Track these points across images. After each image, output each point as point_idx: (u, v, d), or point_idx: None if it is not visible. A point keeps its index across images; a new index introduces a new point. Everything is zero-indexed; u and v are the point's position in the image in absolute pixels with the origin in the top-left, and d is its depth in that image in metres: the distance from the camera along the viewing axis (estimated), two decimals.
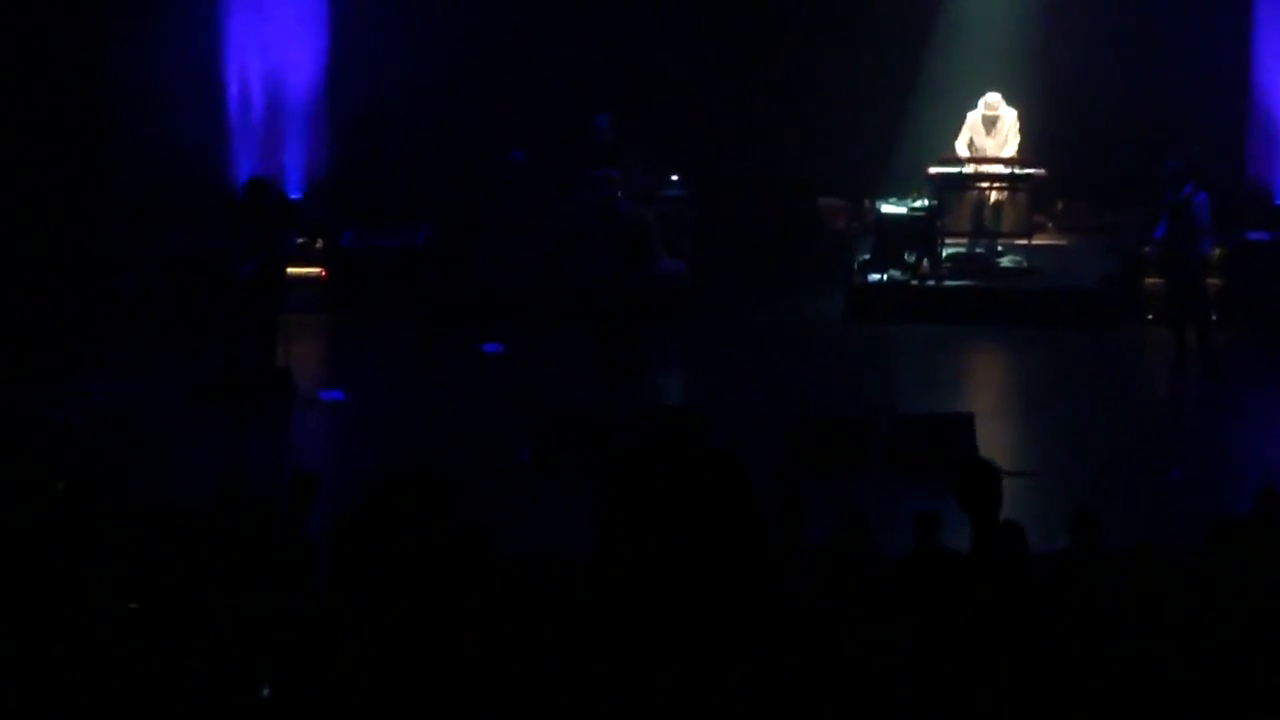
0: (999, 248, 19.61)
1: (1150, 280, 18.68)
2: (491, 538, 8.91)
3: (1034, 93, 19.73)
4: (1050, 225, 20.53)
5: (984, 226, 19.51)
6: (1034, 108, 19.63)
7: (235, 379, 16.09)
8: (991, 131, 19.60)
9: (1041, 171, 19.41)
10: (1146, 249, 18.46)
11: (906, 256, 19.24)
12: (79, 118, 19.50)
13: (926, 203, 19.32)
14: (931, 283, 19.14)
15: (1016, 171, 19.38)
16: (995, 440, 14.58)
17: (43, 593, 9.24)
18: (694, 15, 20.70)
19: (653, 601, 3.95)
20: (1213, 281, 17.91)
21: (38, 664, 8.51)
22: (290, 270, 17.23)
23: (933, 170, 19.44)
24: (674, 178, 19.91)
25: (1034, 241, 19.72)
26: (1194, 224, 16.67)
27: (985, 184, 19.44)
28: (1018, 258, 19.52)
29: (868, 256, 19.50)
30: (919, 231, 19.32)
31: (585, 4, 20.61)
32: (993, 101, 19.56)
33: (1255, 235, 18.89)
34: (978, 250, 19.59)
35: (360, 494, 8.01)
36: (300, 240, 18.53)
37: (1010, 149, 19.51)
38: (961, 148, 19.59)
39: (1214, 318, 17.42)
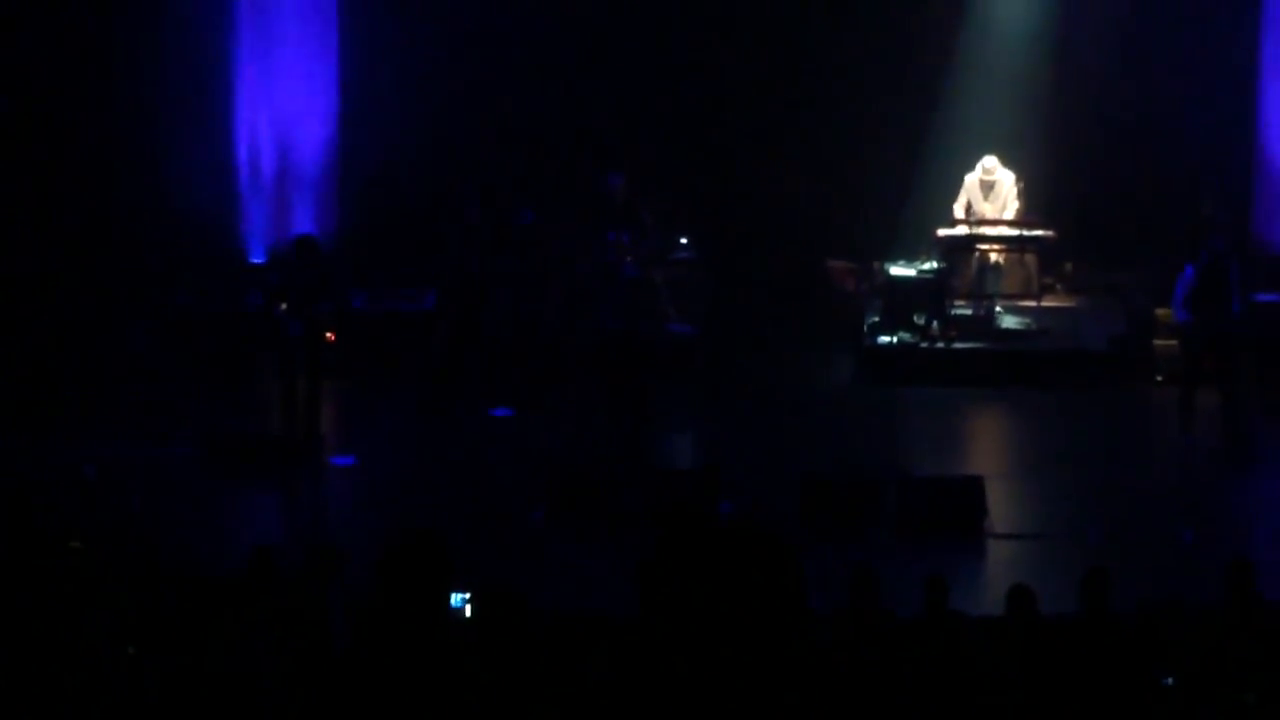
0: (1001, 310, 19.58)
1: (1160, 342, 18.65)
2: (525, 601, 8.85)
3: (1042, 154, 19.77)
4: (1059, 286, 20.51)
5: (990, 288, 19.52)
6: (1042, 169, 19.68)
7: (262, 442, 16.05)
8: (989, 195, 19.64)
9: (1050, 233, 19.45)
10: (1162, 313, 18.34)
11: (916, 319, 19.24)
12: (90, 178, 19.54)
13: (936, 265, 19.34)
14: (941, 345, 19.14)
15: (1025, 234, 19.41)
16: (1005, 503, 14.59)
17: (53, 653, 9.22)
18: (705, 78, 20.74)
19: (695, 674, 3.96)
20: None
21: None
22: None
23: (941, 232, 19.48)
24: (683, 240, 19.90)
25: (1043, 303, 19.72)
26: (1229, 287, 16.56)
27: (993, 246, 19.47)
28: (1027, 319, 19.50)
29: (877, 319, 19.51)
30: (928, 294, 19.32)
31: (598, 65, 20.66)
32: (989, 165, 19.61)
33: (1263, 297, 18.85)
34: (984, 312, 19.58)
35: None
36: (335, 305, 17.43)
37: (1009, 213, 19.55)
38: (959, 210, 19.65)
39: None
